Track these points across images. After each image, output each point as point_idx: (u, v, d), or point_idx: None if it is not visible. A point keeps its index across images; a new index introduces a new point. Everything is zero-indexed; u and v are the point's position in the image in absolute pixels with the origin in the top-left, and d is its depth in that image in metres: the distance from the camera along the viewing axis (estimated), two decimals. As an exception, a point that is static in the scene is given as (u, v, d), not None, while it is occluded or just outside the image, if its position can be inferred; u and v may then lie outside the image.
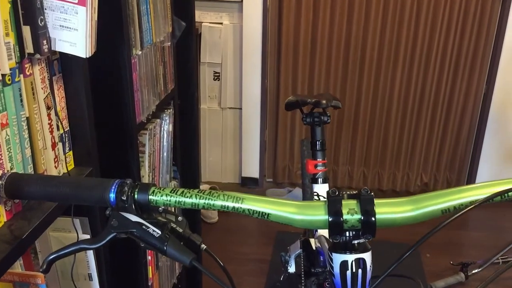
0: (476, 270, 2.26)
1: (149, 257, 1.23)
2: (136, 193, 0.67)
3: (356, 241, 0.67)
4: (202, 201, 0.67)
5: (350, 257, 0.67)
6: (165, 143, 1.28)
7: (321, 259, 1.30)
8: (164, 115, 1.28)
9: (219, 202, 0.66)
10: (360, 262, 0.67)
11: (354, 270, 0.68)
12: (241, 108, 2.87)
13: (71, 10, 0.72)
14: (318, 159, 1.34)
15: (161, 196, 0.67)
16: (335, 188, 0.67)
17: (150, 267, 1.25)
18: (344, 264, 0.67)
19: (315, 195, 1.33)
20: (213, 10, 2.71)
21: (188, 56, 1.47)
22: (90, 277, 0.96)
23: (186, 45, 1.45)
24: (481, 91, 2.75)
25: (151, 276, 1.25)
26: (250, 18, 2.66)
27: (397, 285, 0.89)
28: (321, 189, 1.33)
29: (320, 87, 2.81)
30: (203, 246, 0.70)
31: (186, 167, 1.54)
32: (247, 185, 2.97)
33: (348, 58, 2.73)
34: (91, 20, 0.73)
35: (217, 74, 2.84)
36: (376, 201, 0.64)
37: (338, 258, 0.67)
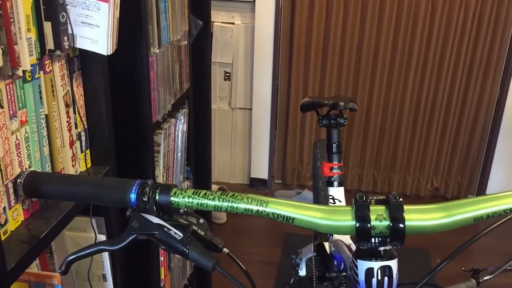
0: (487, 277, 2.23)
1: (162, 258, 1.22)
2: (157, 194, 0.66)
3: (382, 248, 0.65)
4: (225, 204, 0.65)
5: (376, 265, 0.65)
6: (179, 143, 1.26)
7: (335, 263, 1.28)
8: (179, 114, 1.27)
9: (242, 205, 0.65)
10: (386, 270, 0.65)
11: (380, 278, 0.66)
12: (251, 109, 2.85)
13: (94, 6, 0.71)
14: (334, 162, 1.32)
15: (183, 197, 0.66)
16: (362, 193, 0.66)
17: (163, 268, 1.23)
18: (369, 272, 0.66)
19: (330, 198, 1.31)
20: (225, 10, 2.69)
21: (202, 56, 1.46)
22: (104, 277, 0.94)
23: (201, 44, 1.44)
24: (495, 96, 2.72)
25: (163, 277, 1.24)
26: (262, 18, 2.64)
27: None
28: (337, 192, 1.31)
29: (331, 89, 2.78)
30: (225, 250, 0.68)
31: (199, 168, 1.53)
32: (256, 186, 2.95)
33: (360, 60, 2.71)
34: (113, 17, 0.71)
35: (228, 74, 2.82)
36: (405, 207, 0.62)
37: (363, 265, 0.66)
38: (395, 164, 2.89)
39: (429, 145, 2.84)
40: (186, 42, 1.23)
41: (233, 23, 2.71)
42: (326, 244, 1.34)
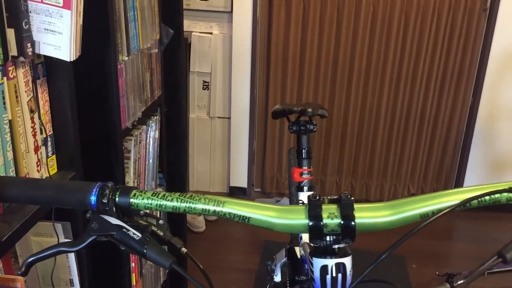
0: (461, 281, 2.27)
1: (133, 264, 1.22)
2: (117, 196, 0.67)
3: (336, 246, 0.67)
4: (183, 205, 0.67)
5: (331, 262, 0.67)
6: (151, 150, 1.28)
7: (306, 267, 1.30)
8: (151, 121, 1.28)
9: (200, 206, 0.66)
10: (340, 267, 0.67)
11: (334, 275, 0.68)
12: (229, 118, 2.87)
13: (56, 13, 0.72)
14: (304, 167, 1.34)
15: (142, 199, 0.67)
16: (315, 193, 0.68)
17: (134, 274, 1.24)
18: (324, 269, 0.68)
19: (301, 203, 1.33)
20: (203, 20, 2.72)
21: (176, 64, 1.48)
22: (71, 282, 0.95)
23: (174, 52, 1.46)
24: (467, 104, 2.79)
25: (134, 283, 1.24)
26: (239, 28, 2.68)
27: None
28: (307, 197, 1.33)
29: (309, 98, 2.82)
30: (184, 249, 0.70)
31: (173, 175, 1.54)
32: (235, 195, 2.96)
33: (337, 70, 2.76)
34: (76, 24, 0.73)
35: (206, 84, 2.85)
36: (356, 205, 0.65)
37: (318, 263, 0.68)
38: (372, 171, 2.94)
39: (405, 153, 2.89)
40: (156, 50, 1.25)
41: (211, 33, 2.74)
42: (297, 248, 1.37)
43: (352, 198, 0.66)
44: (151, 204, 0.67)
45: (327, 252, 0.67)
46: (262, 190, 3.03)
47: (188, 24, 2.74)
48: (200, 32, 2.74)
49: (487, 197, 0.64)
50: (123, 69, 1.06)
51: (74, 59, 0.77)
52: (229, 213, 0.66)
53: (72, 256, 0.93)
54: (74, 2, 0.71)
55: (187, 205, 0.67)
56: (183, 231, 1.71)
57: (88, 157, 1.01)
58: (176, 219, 1.63)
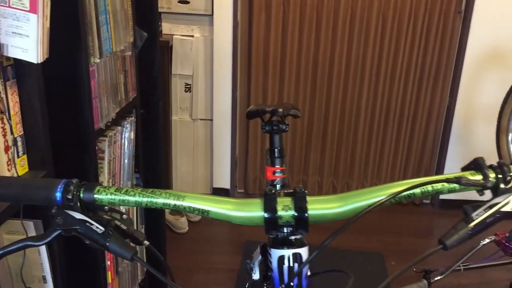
0: (438, 277, 2.32)
1: (108, 262, 1.25)
2: (81, 192, 0.70)
3: (293, 237, 0.71)
4: (145, 199, 0.70)
5: (287, 252, 0.71)
6: (126, 150, 1.30)
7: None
8: (126, 122, 1.31)
9: (161, 200, 0.69)
10: (297, 257, 0.71)
11: (290, 264, 0.71)
12: (212, 120, 2.90)
13: (23, 17, 0.75)
14: (276, 166, 1.38)
15: (106, 194, 0.70)
16: (272, 186, 0.72)
17: (110, 272, 1.26)
18: (281, 259, 0.71)
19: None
20: (184, 23, 2.75)
21: (152, 66, 1.51)
22: (44, 279, 0.97)
23: (151, 55, 1.49)
24: (445, 104, 2.85)
25: (110, 281, 1.27)
26: (220, 31, 2.72)
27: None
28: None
29: (290, 99, 2.87)
30: (146, 242, 0.73)
31: (151, 175, 1.57)
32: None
33: (317, 72, 2.80)
34: (42, 27, 0.76)
35: (189, 86, 2.87)
36: (308, 198, 0.68)
37: (276, 253, 0.71)
38: (353, 171, 2.99)
39: (384, 152, 2.94)
40: (130, 53, 1.28)
41: (192, 36, 2.77)
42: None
43: (306, 191, 0.69)
44: (114, 199, 0.70)
45: (284, 243, 0.70)
46: (245, 191, 3.06)
47: (169, 27, 2.77)
48: (181, 35, 2.77)
49: (429, 188, 0.67)
50: (95, 71, 1.09)
51: (41, 61, 0.79)
52: (189, 206, 0.69)
53: (44, 253, 0.95)
54: (41, 7, 0.74)
55: (149, 199, 0.70)
56: (162, 233, 1.73)
57: (62, 157, 1.04)
58: (155, 222, 1.66)
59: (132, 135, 1.34)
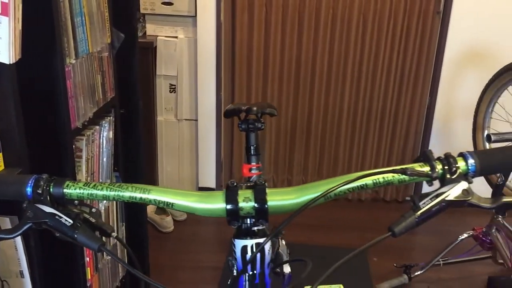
0: (418, 272, 2.37)
1: (88, 258, 1.28)
2: (51, 187, 0.73)
3: (255, 228, 0.74)
4: (112, 193, 0.73)
5: (250, 242, 0.74)
6: (104, 149, 1.33)
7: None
8: (104, 122, 1.34)
9: (127, 194, 0.73)
10: (259, 247, 0.75)
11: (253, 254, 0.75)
12: (197, 120, 2.94)
13: (-5, 20, 0.78)
14: (252, 163, 1.42)
15: (75, 189, 0.73)
16: (234, 180, 0.75)
17: (89, 268, 1.29)
18: (244, 249, 0.75)
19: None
20: (168, 24, 2.78)
21: (131, 67, 1.54)
22: (21, 274, 1.00)
23: (130, 56, 1.52)
24: (425, 103, 2.91)
25: (89, 277, 1.30)
26: (204, 32, 2.75)
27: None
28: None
29: (273, 99, 2.91)
30: (114, 234, 0.76)
31: (131, 174, 1.59)
32: (204, 195, 3.02)
33: (300, 72, 2.84)
34: (14, 30, 0.79)
35: (173, 87, 2.91)
36: (268, 190, 0.72)
37: (239, 244, 0.75)
38: (336, 170, 3.03)
39: (367, 151, 2.99)
40: (107, 53, 1.31)
41: (176, 37, 2.80)
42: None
43: (266, 184, 0.73)
44: (83, 193, 0.73)
45: (247, 233, 0.74)
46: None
47: (153, 29, 2.80)
48: (165, 36, 2.80)
49: (381, 179, 0.71)
50: (71, 72, 1.11)
51: (14, 62, 0.82)
52: (154, 199, 0.73)
53: (21, 248, 0.98)
54: (12, 10, 0.77)
55: (116, 193, 0.73)
56: (144, 231, 1.76)
57: (41, 156, 1.07)
58: (138, 224, 1.69)
59: (111, 134, 1.37)
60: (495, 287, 2.30)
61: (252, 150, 1.42)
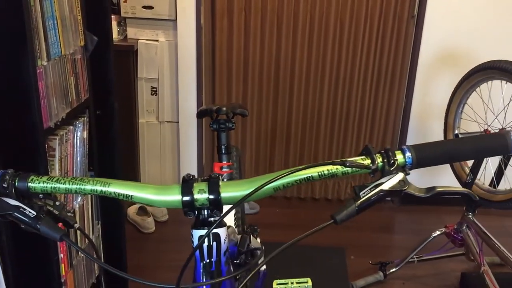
0: (393, 269, 2.43)
1: (62, 255, 1.31)
2: (16, 181, 0.77)
3: (212, 219, 0.79)
4: (74, 187, 0.77)
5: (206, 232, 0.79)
6: (78, 149, 1.37)
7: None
8: (78, 122, 1.38)
9: (89, 187, 0.77)
10: (216, 236, 0.79)
11: (208, 244, 0.80)
12: (178, 122, 2.98)
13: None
14: (224, 162, 1.46)
15: (39, 183, 0.78)
16: (190, 173, 0.80)
17: (63, 264, 1.33)
18: (201, 238, 0.79)
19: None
20: (149, 28, 2.83)
21: (107, 69, 1.58)
22: (-7, 269, 1.03)
23: (105, 58, 1.56)
24: (401, 104, 2.98)
25: (64, 274, 1.33)
26: (184, 35, 2.80)
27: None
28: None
29: (253, 101, 2.96)
30: (76, 225, 0.80)
31: (107, 174, 1.63)
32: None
33: (279, 74, 2.90)
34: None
35: (155, 89, 2.94)
36: (221, 183, 0.77)
37: (196, 234, 0.80)
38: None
39: (346, 151, 3.06)
40: (80, 56, 1.35)
41: (157, 40, 2.85)
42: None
43: (220, 177, 0.78)
44: (46, 187, 0.78)
45: (203, 224, 0.79)
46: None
47: (134, 32, 2.84)
48: (146, 40, 2.84)
49: (325, 171, 0.77)
50: (43, 73, 1.15)
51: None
52: (114, 192, 0.77)
53: (-8, 243, 1.01)
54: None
55: (78, 186, 0.77)
56: (121, 230, 1.80)
57: (14, 155, 1.10)
58: (114, 226, 1.73)
59: (85, 134, 1.41)
60: (467, 282, 2.36)
61: (223, 149, 1.47)
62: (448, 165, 2.29)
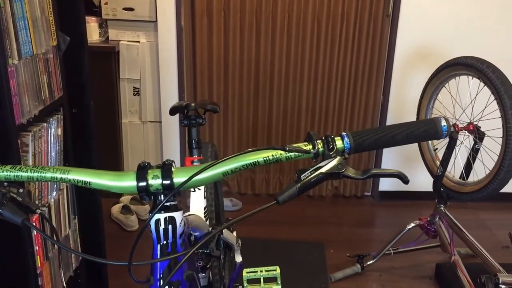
0: (370, 261, 2.49)
1: (37, 247, 1.36)
2: (-20, 171, 0.82)
3: (168, 203, 0.85)
4: (36, 174, 0.82)
5: (162, 216, 0.85)
6: (52, 145, 1.42)
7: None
8: (52, 119, 1.43)
9: (49, 174, 0.82)
10: (170, 219, 0.85)
11: (165, 226, 0.85)
12: (161, 122, 3.03)
13: None
14: (194, 156, 1.52)
15: (3, 172, 0.82)
16: (145, 161, 0.85)
17: (38, 256, 1.37)
18: (157, 222, 0.85)
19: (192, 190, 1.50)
20: (130, 29, 2.88)
21: (81, 69, 1.63)
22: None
23: (79, 58, 1.61)
24: (379, 101, 3.05)
25: (39, 265, 1.38)
26: (165, 37, 2.85)
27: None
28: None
29: (234, 99, 3.02)
30: (39, 211, 0.85)
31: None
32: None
33: (259, 73, 2.96)
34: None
35: (137, 90, 2.99)
36: (174, 169, 0.82)
37: (153, 218, 0.85)
38: (298, 165, 3.15)
39: (325, 148, 3.12)
40: (52, 55, 1.40)
41: (138, 42, 2.90)
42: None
43: (172, 162, 0.84)
44: (9, 175, 0.83)
45: (160, 208, 0.84)
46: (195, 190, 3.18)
47: (116, 34, 2.89)
48: (128, 41, 2.89)
49: (270, 156, 0.82)
50: (14, 72, 1.20)
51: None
52: (73, 179, 0.82)
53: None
54: None
55: (39, 174, 0.82)
56: (99, 225, 1.84)
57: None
58: (90, 214, 1.77)
59: (59, 131, 1.46)
60: (442, 273, 2.43)
61: (194, 144, 1.52)
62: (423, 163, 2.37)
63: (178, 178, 0.82)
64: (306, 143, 0.84)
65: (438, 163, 2.23)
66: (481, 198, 1.97)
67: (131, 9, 2.82)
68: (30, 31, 1.26)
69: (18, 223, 0.81)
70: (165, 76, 2.92)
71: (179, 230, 0.87)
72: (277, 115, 3.05)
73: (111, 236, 2.40)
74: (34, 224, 0.83)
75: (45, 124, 1.39)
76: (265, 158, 0.82)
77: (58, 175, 0.82)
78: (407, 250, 2.53)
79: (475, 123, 2.07)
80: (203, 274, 1.39)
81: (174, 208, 0.86)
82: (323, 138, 0.83)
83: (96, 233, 1.81)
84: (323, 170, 0.80)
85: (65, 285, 1.42)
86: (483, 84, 1.93)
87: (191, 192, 1.51)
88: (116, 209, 2.87)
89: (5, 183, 0.85)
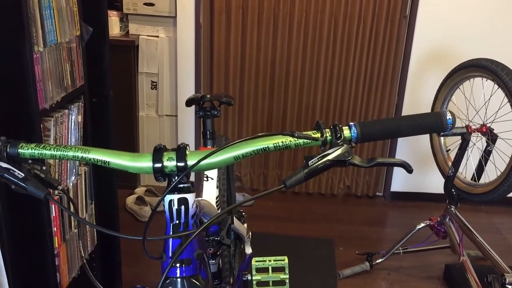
0: (379, 260, 2.51)
1: (55, 228, 1.41)
2: (8, 147, 0.88)
3: (181, 185, 0.89)
4: (58, 153, 0.88)
5: (175, 197, 0.89)
6: (73, 131, 1.48)
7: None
8: (73, 106, 1.48)
9: (71, 153, 0.87)
10: (183, 200, 0.89)
11: (177, 207, 0.90)
12: (177, 116, 3.08)
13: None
14: (208, 146, 1.56)
15: (28, 149, 0.88)
16: (161, 144, 0.90)
17: (56, 237, 1.43)
18: (171, 202, 0.89)
19: (205, 176, 1.55)
20: (150, 24, 2.94)
21: (102, 59, 1.68)
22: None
23: (100, 49, 1.67)
24: (394, 102, 3.06)
25: (57, 246, 1.43)
26: (183, 32, 2.90)
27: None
28: (210, 172, 1.55)
29: (250, 96, 3.06)
30: (60, 187, 0.90)
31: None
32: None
33: (275, 71, 3.00)
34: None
35: (154, 84, 3.06)
36: (188, 152, 0.87)
37: (167, 198, 0.89)
38: (309, 165, 3.17)
39: (338, 147, 3.14)
40: (75, 44, 1.46)
41: (157, 36, 2.96)
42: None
43: (188, 146, 0.88)
44: (34, 153, 0.88)
45: (174, 190, 0.88)
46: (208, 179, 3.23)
47: (136, 28, 2.95)
48: (147, 36, 2.95)
49: (280, 143, 0.86)
50: (39, 58, 1.26)
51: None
52: (93, 158, 0.87)
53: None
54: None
55: (62, 153, 0.87)
56: (114, 211, 1.90)
57: (12, 132, 1.21)
58: (107, 199, 1.83)
59: (80, 119, 1.52)
60: (451, 274, 2.44)
61: (208, 135, 1.56)
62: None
63: (192, 161, 0.86)
64: (315, 131, 0.87)
65: (450, 164, 2.24)
66: (492, 200, 1.98)
67: (151, 4, 2.88)
68: (55, 20, 1.32)
69: (41, 197, 0.86)
70: (183, 71, 2.98)
71: (191, 211, 0.91)
72: (291, 113, 3.09)
73: (125, 226, 2.46)
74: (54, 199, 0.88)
75: (67, 110, 1.45)
76: (275, 144, 0.85)
77: (80, 154, 0.87)
78: (416, 250, 2.54)
79: (488, 125, 2.08)
80: (213, 261, 1.43)
81: (187, 190, 0.90)
82: (331, 127, 0.87)
83: (111, 221, 1.87)
84: (330, 157, 0.83)
85: (83, 255, 1.48)
86: (497, 86, 1.94)
87: (204, 182, 1.55)
88: (130, 200, 2.94)
89: (29, 161, 0.90)
